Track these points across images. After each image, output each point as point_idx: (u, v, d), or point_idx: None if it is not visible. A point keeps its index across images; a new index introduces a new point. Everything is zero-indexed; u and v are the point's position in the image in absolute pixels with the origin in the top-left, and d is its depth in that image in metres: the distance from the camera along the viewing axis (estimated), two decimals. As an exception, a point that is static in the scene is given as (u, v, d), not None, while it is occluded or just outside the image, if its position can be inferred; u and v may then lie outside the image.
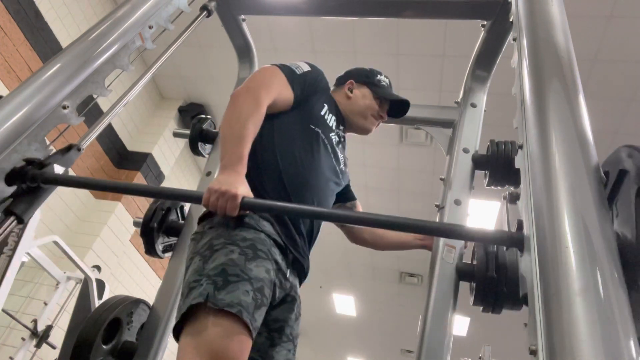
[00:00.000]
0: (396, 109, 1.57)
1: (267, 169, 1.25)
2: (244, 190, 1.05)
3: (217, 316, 0.95)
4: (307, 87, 1.36)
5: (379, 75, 1.57)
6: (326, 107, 1.41)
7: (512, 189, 1.41)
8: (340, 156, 1.44)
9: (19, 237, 2.76)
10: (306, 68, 1.39)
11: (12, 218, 1.05)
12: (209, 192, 1.04)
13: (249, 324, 0.96)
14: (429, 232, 1.17)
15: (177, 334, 1.00)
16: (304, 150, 1.30)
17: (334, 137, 1.41)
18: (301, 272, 1.28)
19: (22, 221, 1.07)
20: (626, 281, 0.61)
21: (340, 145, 1.45)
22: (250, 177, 1.16)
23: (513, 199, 0.85)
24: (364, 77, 1.55)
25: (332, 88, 1.56)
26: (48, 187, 1.13)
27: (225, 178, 1.06)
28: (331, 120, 1.42)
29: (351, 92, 1.52)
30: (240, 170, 1.10)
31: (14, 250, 2.75)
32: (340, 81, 1.58)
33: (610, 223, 0.70)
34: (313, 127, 1.34)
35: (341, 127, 1.48)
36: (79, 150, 1.23)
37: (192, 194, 1.14)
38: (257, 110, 1.20)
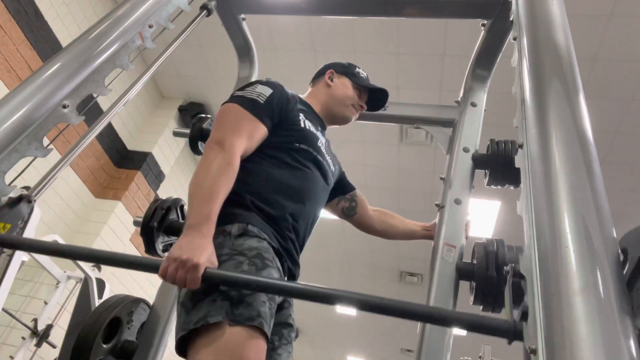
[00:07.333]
0: (375, 100, 1.58)
1: (262, 197, 1.18)
2: (207, 257, 0.95)
3: (236, 327, 0.93)
4: (276, 111, 1.28)
5: (357, 68, 1.58)
6: (302, 115, 1.35)
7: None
8: (329, 158, 1.41)
9: (20, 236, 2.76)
10: (268, 92, 1.28)
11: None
12: (167, 261, 0.94)
13: (267, 334, 0.97)
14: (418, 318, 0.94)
15: (183, 345, 0.97)
16: (295, 176, 1.25)
17: (320, 144, 1.37)
18: (293, 279, 1.28)
19: None
20: None
21: (327, 147, 1.44)
22: (245, 201, 1.14)
23: (517, 275, 0.79)
24: (343, 68, 1.56)
25: (309, 85, 1.57)
26: None
27: (188, 242, 0.96)
28: (312, 126, 1.36)
29: (332, 80, 1.52)
30: (206, 232, 0.99)
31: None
32: (320, 72, 1.57)
33: (612, 225, 0.69)
34: (298, 144, 1.29)
35: (319, 128, 1.43)
36: (30, 202, 1.13)
37: (149, 263, 0.99)
38: (229, 164, 1.10)
